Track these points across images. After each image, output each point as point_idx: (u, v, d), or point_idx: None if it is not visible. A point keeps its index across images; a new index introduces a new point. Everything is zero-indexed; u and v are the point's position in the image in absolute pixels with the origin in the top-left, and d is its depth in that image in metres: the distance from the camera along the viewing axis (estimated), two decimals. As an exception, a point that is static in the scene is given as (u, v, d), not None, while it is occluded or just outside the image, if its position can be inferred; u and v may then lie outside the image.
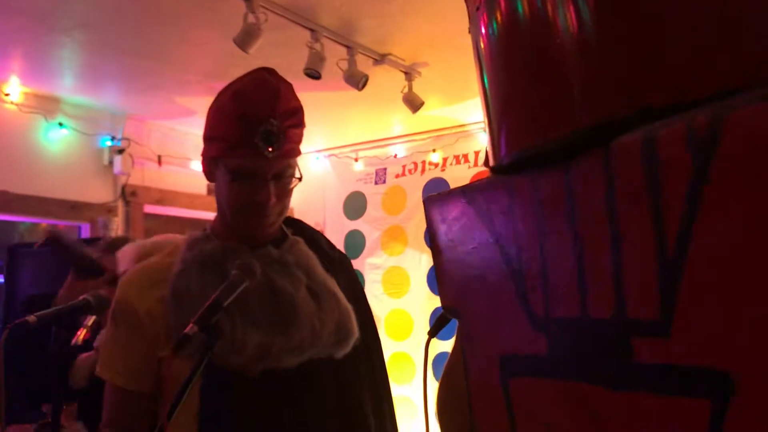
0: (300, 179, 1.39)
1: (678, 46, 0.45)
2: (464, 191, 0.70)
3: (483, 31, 0.62)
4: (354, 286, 1.53)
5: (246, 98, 1.34)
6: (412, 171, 5.61)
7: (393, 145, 5.65)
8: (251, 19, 3.06)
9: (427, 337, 1.07)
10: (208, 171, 1.42)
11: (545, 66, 0.53)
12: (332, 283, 1.41)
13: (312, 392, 1.32)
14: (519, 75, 0.58)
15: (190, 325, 1.12)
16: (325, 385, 1.34)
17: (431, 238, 0.77)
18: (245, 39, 3.06)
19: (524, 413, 0.60)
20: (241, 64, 3.70)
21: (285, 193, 1.37)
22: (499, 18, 0.59)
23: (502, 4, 0.57)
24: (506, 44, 0.59)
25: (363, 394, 1.40)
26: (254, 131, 1.29)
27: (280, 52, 3.60)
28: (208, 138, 1.41)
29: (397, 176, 5.64)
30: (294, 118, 1.35)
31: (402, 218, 5.47)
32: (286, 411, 1.28)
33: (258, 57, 3.36)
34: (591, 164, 0.50)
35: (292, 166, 1.37)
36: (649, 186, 0.44)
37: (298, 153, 1.39)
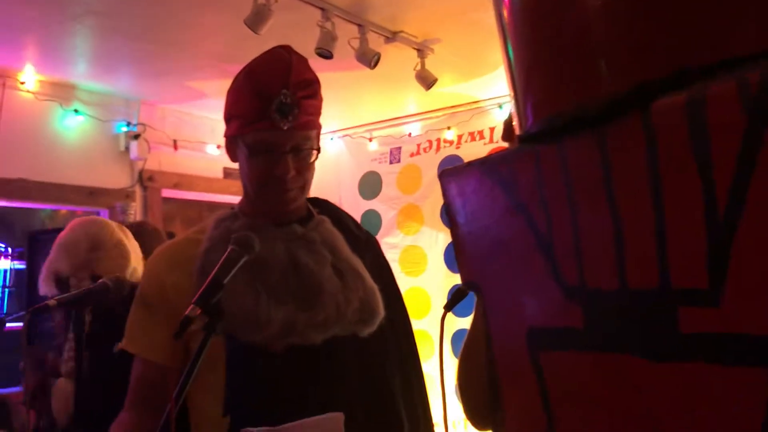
0: (318, 150, 1.38)
1: (717, 2, 0.44)
2: (482, 163, 0.68)
3: (506, 1, 0.60)
4: (380, 266, 1.52)
5: (259, 73, 1.35)
6: (427, 149, 5.57)
7: (407, 124, 5.62)
8: (262, -1, 3.04)
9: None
10: (230, 150, 1.43)
11: (574, 28, 0.51)
12: (357, 262, 1.40)
13: (336, 369, 1.32)
14: (546, 39, 0.56)
15: (191, 306, 1.10)
16: (350, 362, 1.34)
17: (448, 213, 0.75)
18: (256, 20, 3.04)
19: (558, 387, 0.59)
20: (253, 46, 3.68)
21: (305, 167, 1.36)
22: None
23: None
24: (532, 8, 0.57)
25: (390, 374, 1.39)
26: (269, 105, 1.29)
27: (291, 32, 3.57)
28: (227, 119, 1.41)
29: (411, 155, 5.60)
30: (308, 89, 1.35)
31: (418, 197, 5.45)
32: (309, 387, 1.28)
33: (269, 38, 3.34)
34: (629, 128, 0.48)
35: (311, 139, 1.36)
36: (697, 149, 0.42)
37: (316, 125, 1.38)
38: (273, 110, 1.29)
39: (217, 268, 1.16)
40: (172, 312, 1.26)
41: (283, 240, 1.34)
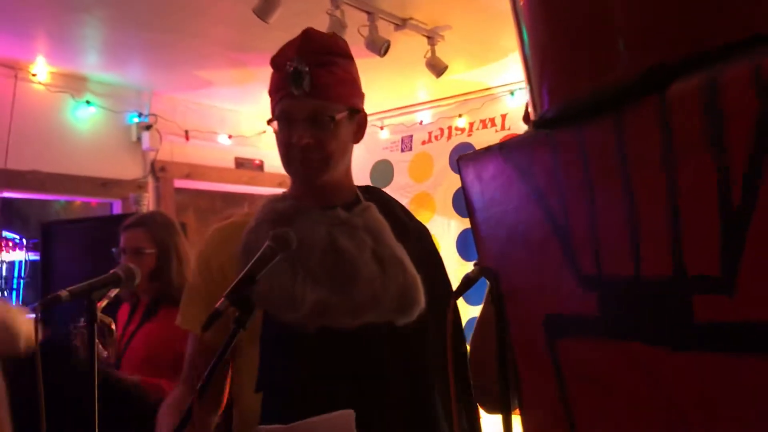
0: (335, 119, 1.35)
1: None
2: (501, 148, 0.67)
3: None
4: (429, 258, 1.50)
5: (281, 49, 1.38)
6: (439, 137, 5.55)
7: (418, 112, 5.60)
8: (271, -13, 3.02)
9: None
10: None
11: (589, 11, 0.50)
12: (401, 251, 1.39)
13: (369, 355, 1.31)
14: (561, 23, 0.55)
15: (222, 299, 1.12)
16: (385, 351, 1.33)
17: (466, 199, 0.75)
18: (265, 8, 3.03)
19: (575, 374, 0.58)
20: (262, 35, 3.68)
21: (326, 136, 1.35)
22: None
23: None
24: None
25: (429, 369, 1.38)
26: (285, 75, 1.32)
27: (300, 20, 3.55)
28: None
29: (423, 143, 5.59)
30: (323, 58, 1.34)
31: (429, 185, 5.44)
32: (340, 369, 1.28)
33: (278, 26, 3.33)
34: (644, 113, 0.47)
35: (330, 109, 1.35)
36: (711, 134, 0.41)
37: (338, 97, 1.35)
38: (288, 78, 1.31)
39: (252, 263, 1.17)
40: (218, 291, 1.28)
41: (325, 223, 1.36)
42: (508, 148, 0.67)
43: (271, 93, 1.39)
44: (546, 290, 0.62)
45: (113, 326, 2.36)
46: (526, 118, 1.38)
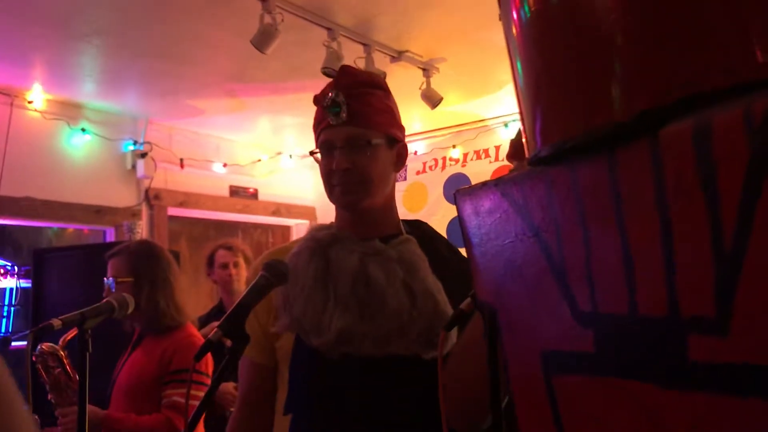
0: (372, 144, 1.42)
1: (727, 25, 0.43)
2: (497, 184, 0.68)
3: (515, 16, 0.60)
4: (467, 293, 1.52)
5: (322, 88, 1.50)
6: (433, 167, 5.59)
7: (413, 142, 5.64)
8: (267, 19, 3.06)
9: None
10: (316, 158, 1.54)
11: (583, 53, 0.51)
12: (435, 286, 1.41)
13: (393, 386, 1.32)
14: (554, 62, 0.56)
15: (215, 329, 1.14)
16: (410, 383, 1.33)
17: (463, 232, 0.75)
18: (262, 40, 3.07)
19: (572, 411, 0.58)
20: (259, 65, 3.72)
21: (364, 161, 1.42)
22: (532, 4, 0.57)
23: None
24: (539, 30, 0.57)
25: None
26: (323, 106, 1.43)
27: (298, 51, 3.60)
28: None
29: (417, 173, 5.62)
30: (358, 90, 1.43)
31: (424, 214, 5.45)
32: (361, 397, 1.29)
33: (275, 57, 3.37)
34: (637, 154, 0.47)
35: (367, 135, 1.43)
36: (703, 176, 0.42)
37: (373, 124, 1.44)
38: (326, 110, 1.42)
39: (245, 293, 1.20)
40: (262, 313, 1.41)
41: (358, 252, 1.41)
42: (504, 183, 0.67)
43: (314, 127, 1.49)
44: (542, 326, 0.62)
45: (73, 376, 2.30)
46: (510, 155, 1.41)
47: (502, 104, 4.91)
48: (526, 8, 0.58)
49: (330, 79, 1.53)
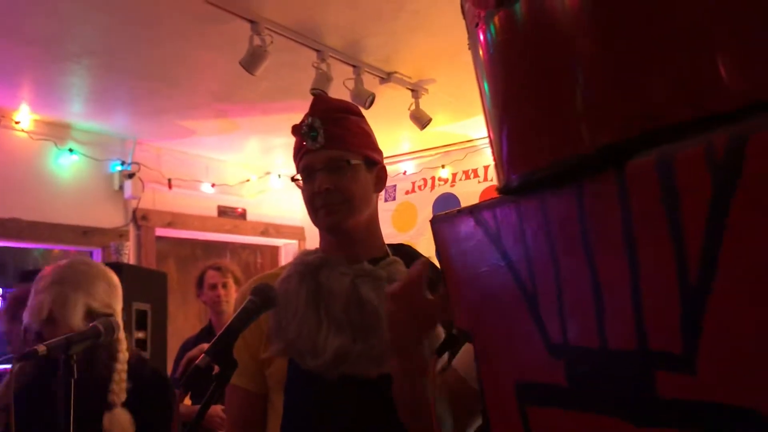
0: (351, 164, 1.45)
1: (690, 61, 0.43)
2: (472, 211, 0.68)
3: (482, 40, 0.60)
4: None
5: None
6: (422, 187, 5.59)
7: (402, 162, 5.65)
8: (257, 41, 3.07)
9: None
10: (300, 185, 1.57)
11: (546, 85, 0.51)
12: None
13: (390, 404, 1.31)
14: (518, 92, 0.56)
15: (201, 355, 1.13)
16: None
17: (440, 260, 0.75)
18: (251, 61, 3.07)
19: (544, 445, 0.57)
20: (248, 86, 3.73)
21: (344, 181, 1.44)
22: (497, 35, 0.57)
23: (500, 20, 0.55)
24: (504, 58, 0.57)
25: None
26: (301, 133, 1.47)
27: (287, 72, 3.61)
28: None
29: (407, 193, 5.62)
30: (334, 114, 1.47)
31: (413, 234, 5.44)
32: (360, 417, 1.29)
33: (265, 78, 3.38)
34: (604, 187, 0.47)
35: (344, 155, 1.46)
36: (667, 210, 0.41)
37: (351, 146, 1.48)
38: (305, 136, 1.45)
39: (233, 318, 1.18)
40: (252, 339, 1.41)
41: (350, 274, 1.43)
42: (478, 211, 0.67)
43: (294, 156, 1.52)
44: (517, 356, 0.62)
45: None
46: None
47: (491, 125, 4.94)
48: (493, 32, 0.58)
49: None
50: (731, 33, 0.43)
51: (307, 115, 1.48)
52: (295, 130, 1.50)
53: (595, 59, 0.48)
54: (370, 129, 1.57)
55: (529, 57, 0.53)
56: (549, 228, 0.54)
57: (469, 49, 0.62)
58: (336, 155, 1.45)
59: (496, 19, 0.55)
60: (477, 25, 0.58)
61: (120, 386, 2.04)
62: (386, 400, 1.32)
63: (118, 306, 2.18)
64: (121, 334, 2.14)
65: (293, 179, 1.52)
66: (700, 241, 0.39)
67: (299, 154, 1.49)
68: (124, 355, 2.10)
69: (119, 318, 2.13)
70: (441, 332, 1.26)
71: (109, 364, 2.06)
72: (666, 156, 0.41)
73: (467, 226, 0.68)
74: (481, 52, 0.59)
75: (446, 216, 0.73)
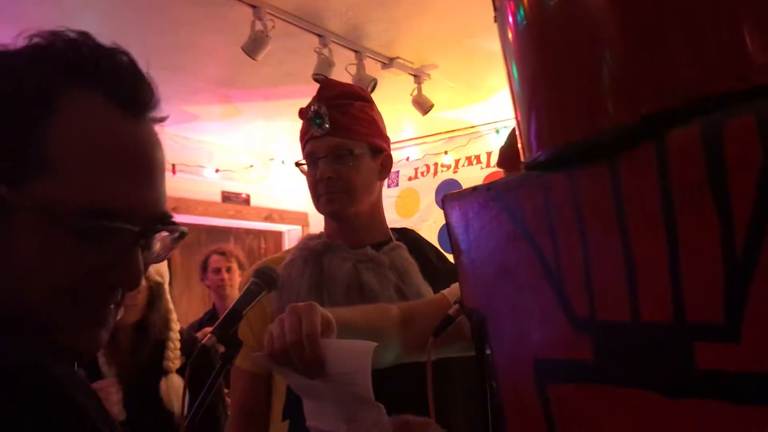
0: (354, 154, 1.45)
1: (733, 31, 0.43)
2: (488, 189, 0.67)
3: (510, 21, 0.59)
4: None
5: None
6: (425, 173, 5.59)
7: (405, 148, 5.64)
8: (258, 26, 3.05)
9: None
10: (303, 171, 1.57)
11: (583, 55, 0.51)
12: (426, 290, 1.48)
13: (388, 387, 1.32)
14: (551, 66, 0.55)
15: (208, 335, 1.15)
16: (404, 384, 1.35)
17: (451, 238, 0.74)
18: (253, 46, 3.06)
19: (567, 423, 0.57)
20: (250, 71, 3.71)
21: (347, 170, 1.46)
22: (527, 14, 0.56)
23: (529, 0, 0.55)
24: (536, 35, 0.56)
25: (453, 407, 1.38)
26: (307, 118, 1.47)
27: (289, 58, 3.59)
28: None
29: (409, 179, 5.62)
30: (339, 101, 1.47)
31: (416, 220, 5.44)
32: None
33: (267, 63, 3.36)
34: (642, 159, 0.46)
35: (348, 143, 1.46)
36: (713, 181, 0.41)
37: (355, 134, 1.48)
38: (310, 122, 1.46)
39: (237, 299, 1.20)
40: (256, 322, 1.44)
41: (352, 259, 1.45)
42: (495, 188, 0.66)
43: (300, 139, 1.53)
44: (536, 333, 0.61)
45: None
46: (500, 162, 1.42)
47: (493, 110, 4.91)
48: (522, 13, 0.57)
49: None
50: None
51: (313, 100, 1.48)
52: (302, 114, 1.50)
53: (631, 37, 0.47)
54: (378, 114, 1.58)
55: (562, 33, 0.52)
56: (577, 202, 0.53)
57: (495, 22, 0.61)
58: (339, 143, 1.45)
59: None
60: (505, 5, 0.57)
61: (175, 353, 2.07)
62: (386, 382, 1.34)
63: (167, 275, 2.20)
64: (171, 304, 2.17)
65: (297, 164, 1.54)
66: (747, 214, 0.39)
67: (304, 139, 1.50)
68: (176, 324, 2.14)
69: (167, 286, 2.16)
70: None
71: (163, 331, 2.09)
72: (713, 126, 0.41)
73: (483, 202, 0.67)
74: (509, 31, 0.59)
75: (459, 194, 0.73)
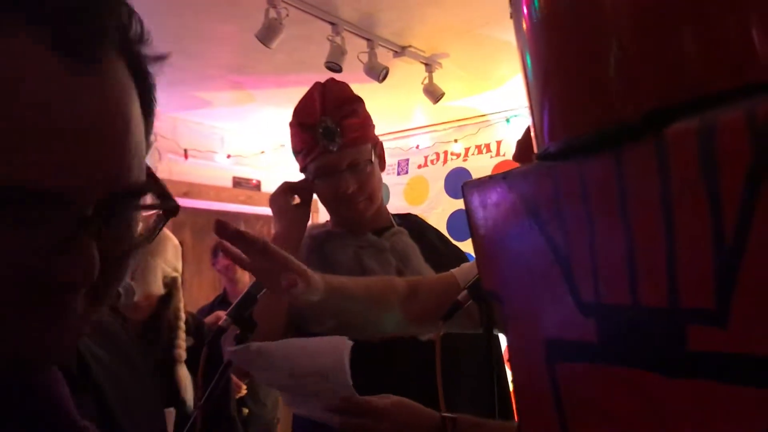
0: (371, 161, 1.50)
1: (729, 32, 0.46)
2: (505, 177, 0.70)
3: (525, 12, 0.62)
4: None
5: (300, 108, 1.55)
6: (434, 161, 5.61)
7: (415, 136, 5.66)
8: (272, 14, 3.09)
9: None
10: (307, 179, 1.62)
11: (590, 52, 0.54)
12: (428, 272, 1.53)
13: (392, 368, 1.37)
14: (562, 61, 0.58)
15: (224, 317, 1.20)
16: (408, 363, 1.40)
17: (470, 224, 0.77)
18: (267, 34, 3.09)
19: (573, 398, 0.61)
20: (263, 58, 3.74)
21: (366, 179, 1.54)
22: (541, 8, 0.59)
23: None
24: (549, 28, 0.59)
25: (455, 386, 1.41)
26: (315, 133, 1.48)
27: (302, 45, 3.61)
28: (294, 154, 1.62)
29: (419, 167, 5.65)
30: (346, 110, 1.53)
31: (425, 208, 5.48)
32: (363, 381, 1.33)
33: (280, 51, 3.38)
34: (644, 152, 0.50)
35: (365, 153, 1.54)
36: (706, 174, 0.44)
37: (368, 139, 1.53)
38: (320, 137, 1.47)
39: (251, 284, 1.27)
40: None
41: (353, 246, 1.53)
42: (512, 177, 0.70)
43: (302, 150, 1.53)
44: (546, 315, 0.65)
45: None
46: (517, 155, 1.45)
47: (503, 100, 4.93)
48: (536, 5, 0.60)
49: (334, 73, 1.59)
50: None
51: (318, 114, 1.48)
52: (303, 126, 1.51)
53: (636, 33, 0.50)
54: (365, 106, 1.62)
55: (573, 30, 0.55)
56: (585, 191, 0.57)
57: (511, 17, 0.64)
58: (356, 155, 1.51)
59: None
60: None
61: (184, 342, 2.13)
62: (389, 363, 1.38)
63: (180, 267, 2.26)
64: (181, 294, 2.23)
65: (312, 181, 1.55)
66: (736, 206, 0.42)
67: (313, 153, 1.51)
68: (183, 314, 2.20)
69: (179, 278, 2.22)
70: None
71: (174, 323, 2.15)
72: (707, 121, 0.44)
73: (500, 191, 0.71)
74: (524, 24, 0.62)
75: (478, 181, 0.76)
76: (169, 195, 0.59)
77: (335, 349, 1.13)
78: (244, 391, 3.22)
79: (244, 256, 1.17)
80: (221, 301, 3.81)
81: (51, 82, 0.46)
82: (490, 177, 0.73)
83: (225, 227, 1.12)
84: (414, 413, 1.17)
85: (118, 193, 0.52)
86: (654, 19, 0.48)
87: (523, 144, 1.40)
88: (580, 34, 0.54)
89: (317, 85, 1.55)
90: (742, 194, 0.41)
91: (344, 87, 1.58)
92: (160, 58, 0.60)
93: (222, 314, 3.55)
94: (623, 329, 0.55)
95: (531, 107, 0.63)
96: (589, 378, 0.60)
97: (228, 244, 1.14)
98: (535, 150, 0.64)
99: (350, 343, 1.13)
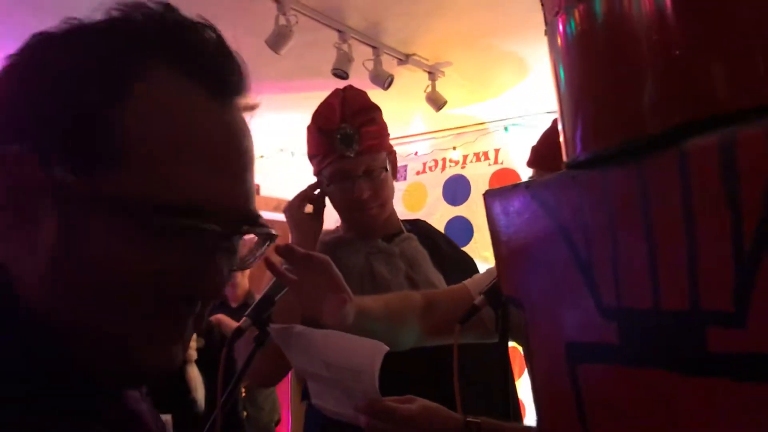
0: (386, 169, 1.53)
1: (749, 54, 0.50)
2: (528, 186, 0.74)
3: (561, 29, 0.66)
4: None
5: (319, 113, 1.57)
6: (433, 168, 5.64)
7: (414, 143, 5.69)
8: (282, 21, 3.12)
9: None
10: (320, 182, 1.64)
11: (622, 69, 0.58)
12: (436, 277, 1.55)
13: (400, 372, 1.39)
14: (595, 77, 0.62)
15: (244, 318, 1.22)
16: (415, 368, 1.41)
17: (491, 231, 0.80)
18: (277, 40, 3.12)
19: (594, 400, 0.64)
20: (272, 64, 3.77)
21: (380, 186, 1.56)
22: (576, 27, 0.64)
23: (579, 13, 0.62)
24: (584, 46, 0.63)
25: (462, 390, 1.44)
26: (333, 139, 1.51)
27: (309, 52, 3.65)
28: (309, 158, 1.64)
29: (417, 173, 5.67)
30: (364, 117, 1.55)
31: (423, 214, 5.50)
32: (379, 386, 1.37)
33: (288, 57, 3.42)
34: (666, 165, 0.54)
35: (380, 160, 1.56)
36: (727, 187, 0.48)
37: (383, 147, 1.56)
38: (338, 142, 1.50)
39: (269, 287, 1.28)
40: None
41: (363, 251, 1.55)
42: (535, 186, 0.74)
43: (319, 155, 1.57)
44: (568, 319, 0.69)
45: None
46: (530, 162, 1.49)
47: (503, 108, 4.97)
48: (572, 25, 0.64)
49: (339, 80, 1.63)
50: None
51: (337, 120, 1.52)
52: (322, 130, 1.55)
53: (664, 54, 0.55)
54: (382, 114, 1.64)
55: (605, 48, 0.59)
56: (608, 201, 0.61)
57: (545, 35, 0.68)
58: (372, 162, 1.54)
59: (576, 12, 0.62)
60: (557, 13, 0.65)
61: (195, 342, 2.16)
62: (400, 366, 1.40)
63: None
64: None
65: (328, 184, 1.58)
66: (756, 215, 0.46)
67: (330, 157, 1.55)
68: None
69: None
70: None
71: None
72: (728, 137, 0.48)
73: (522, 199, 0.75)
74: (559, 40, 0.66)
75: (499, 190, 0.80)
76: (265, 223, 0.64)
77: (372, 351, 1.15)
78: (242, 395, 3.25)
79: (289, 274, 1.18)
80: (220, 304, 3.83)
81: (210, 117, 0.58)
82: (512, 186, 0.77)
83: (293, 253, 1.15)
84: (439, 418, 1.18)
85: (244, 215, 0.60)
86: (682, 46, 0.53)
87: (539, 151, 1.44)
88: (612, 55, 0.59)
89: (337, 92, 1.59)
90: (761, 204, 0.45)
91: (363, 95, 1.62)
92: (251, 107, 0.69)
93: (222, 317, 3.58)
94: (644, 331, 0.59)
95: (562, 117, 0.68)
96: (609, 378, 0.64)
97: (274, 262, 1.15)
98: (564, 158, 0.68)
99: (386, 348, 1.14)
